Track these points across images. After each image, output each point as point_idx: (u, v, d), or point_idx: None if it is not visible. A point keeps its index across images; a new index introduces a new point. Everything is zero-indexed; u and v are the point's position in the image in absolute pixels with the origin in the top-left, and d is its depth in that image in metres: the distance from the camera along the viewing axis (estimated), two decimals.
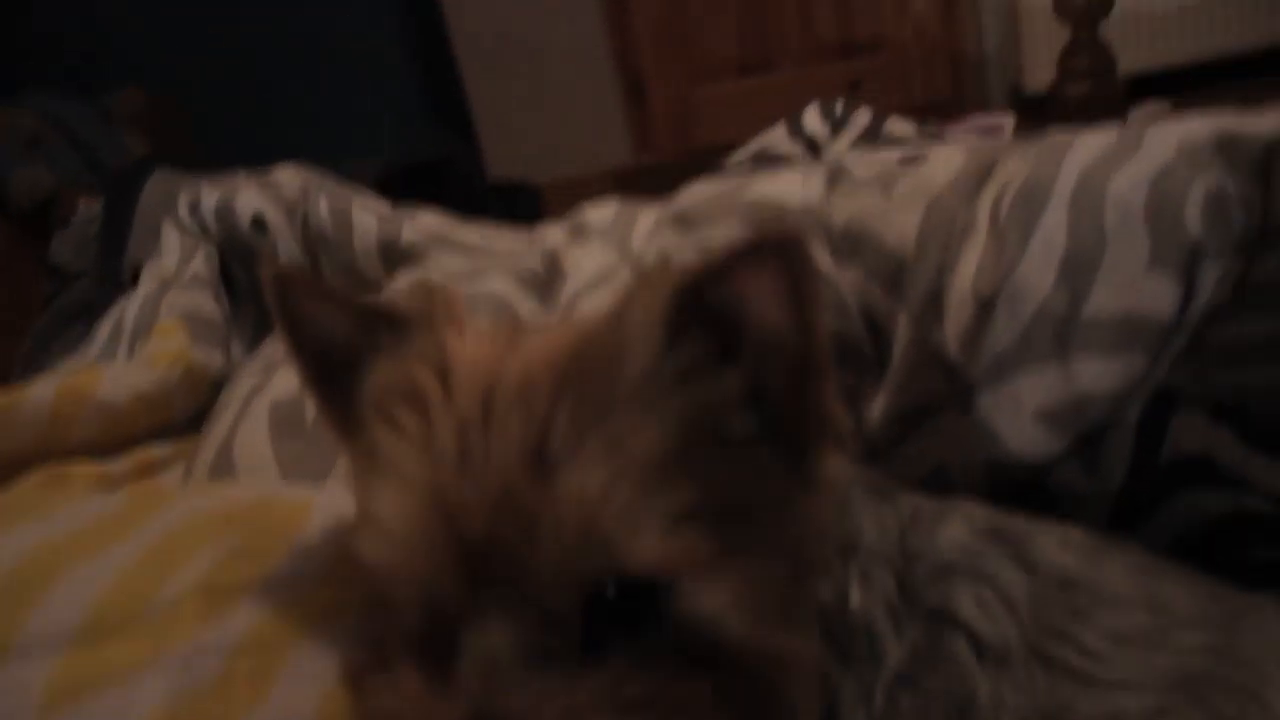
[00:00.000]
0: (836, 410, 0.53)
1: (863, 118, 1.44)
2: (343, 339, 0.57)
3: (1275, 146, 0.68)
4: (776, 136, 1.43)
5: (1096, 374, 0.72)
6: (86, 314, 1.58)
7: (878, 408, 0.76)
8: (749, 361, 0.50)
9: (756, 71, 3.66)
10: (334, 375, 0.57)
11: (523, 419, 0.48)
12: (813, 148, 1.42)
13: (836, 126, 1.43)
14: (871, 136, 1.42)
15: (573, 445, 0.47)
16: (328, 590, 0.58)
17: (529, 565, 0.47)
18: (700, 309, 0.49)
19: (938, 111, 3.60)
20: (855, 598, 0.60)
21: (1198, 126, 0.72)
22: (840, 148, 1.40)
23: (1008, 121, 1.76)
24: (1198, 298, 0.71)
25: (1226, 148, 0.69)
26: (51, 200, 3.06)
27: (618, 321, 0.50)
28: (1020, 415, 0.74)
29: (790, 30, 3.63)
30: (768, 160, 1.40)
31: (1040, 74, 3.45)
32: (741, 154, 1.43)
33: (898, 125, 1.43)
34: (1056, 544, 0.65)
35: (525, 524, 0.46)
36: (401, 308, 0.56)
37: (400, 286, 0.88)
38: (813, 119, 1.44)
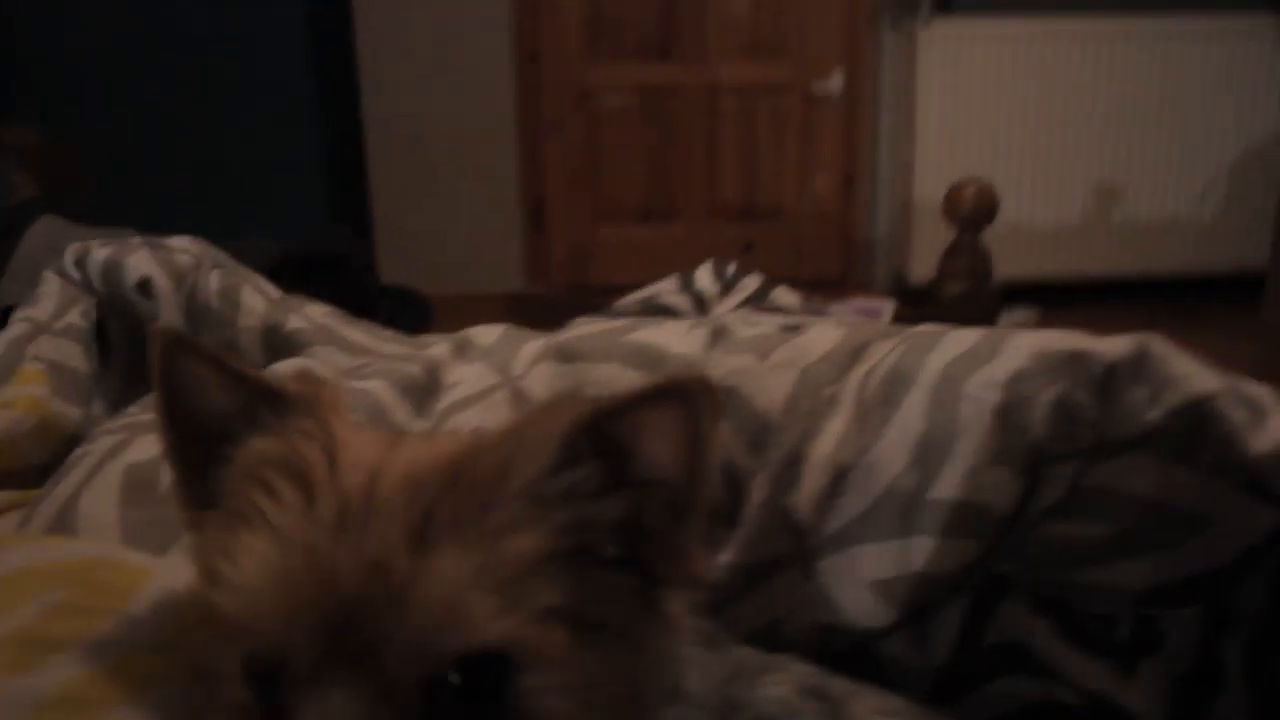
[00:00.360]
0: (699, 555, 0.57)
1: (752, 282, 1.51)
2: (220, 410, 0.57)
3: (1116, 367, 0.75)
4: (667, 287, 1.49)
5: (933, 555, 0.77)
6: None
7: (723, 560, 0.79)
8: (631, 494, 0.54)
9: (657, 220, 3.79)
10: (200, 445, 0.57)
11: (407, 501, 0.50)
12: (700, 304, 1.48)
13: (726, 287, 1.50)
14: (757, 301, 1.48)
15: (452, 531, 0.50)
16: (152, 658, 0.58)
17: (389, 635, 0.48)
18: (598, 439, 0.53)
19: (824, 286, 3.78)
20: None
21: (1053, 339, 0.79)
22: (726, 308, 1.47)
23: (887, 306, 1.86)
24: (1039, 496, 0.77)
25: (1076, 362, 0.76)
26: None
27: (515, 434, 0.53)
28: (857, 584, 0.78)
29: (695, 187, 3.78)
30: (655, 309, 1.46)
31: (923, 267, 3.66)
32: (631, 299, 1.48)
33: (784, 295, 1.51)
34: (873, 709, 0.69)
35: (395, 593, 0.48)
36: (290, 387, 0.58)
37: (284, 370, 0.89)
38: (704, 276, 1.51)
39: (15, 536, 0.75)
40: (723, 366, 0.84)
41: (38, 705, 0.52)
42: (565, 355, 0.86)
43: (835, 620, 0.79)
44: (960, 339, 0.82)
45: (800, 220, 3.84)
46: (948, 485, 0.76)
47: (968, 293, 1.82)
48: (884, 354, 0.83)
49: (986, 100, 3.58)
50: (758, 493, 0.79)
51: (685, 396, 0.52)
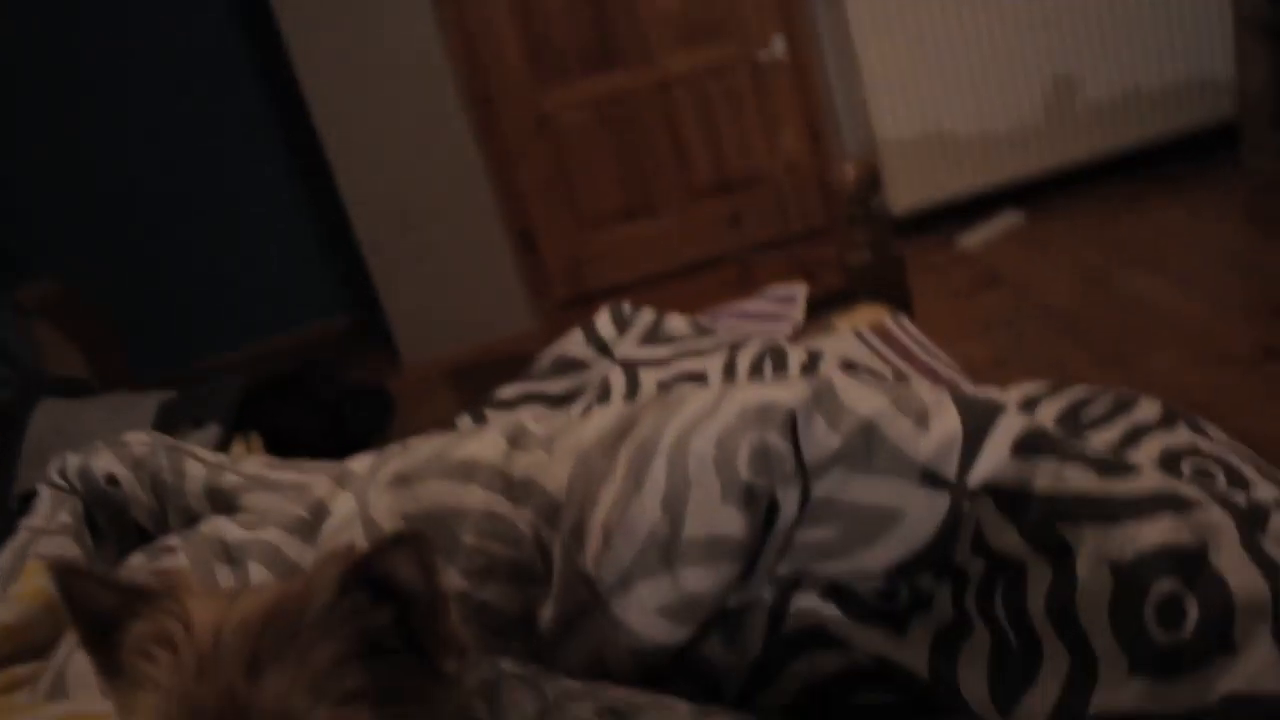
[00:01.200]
0: (453, 635, 0.81)
1: (646, 318, 1.74)
2: (109, 608, 0.81)
3: (796, 409, 0.97)
4: (574, 341, 1.73)
5: (697, 579, 1.00)
6: None
7: (547, 614, 1.03)
8: (396, 603, 0.78)
9: (641, 216, 4.01)
10: (102, 635, 0.81)
11: (240, 644, 0.74)
12: (604, 349, 1.71)
13: (623, 327, 1.73)
14: (653, 335, 1.71)
15: (273, 657, 0.74)
16: None
17: None
18: (365, 573, 0.77)
19: (814, 236, 3.96)
20: None
21: (753, 395, 1.01)
22: (626, 346, 1.70)
23: (800, 291, 2.06)
24: (782, 514, 0.99)
25: (765, 412, 0.98)
26: None
27: (309, 581, 0.78)
28: (646, 613, 1.01)
29: (668, 174, 3.98)
30: (566, 364, 1.70)
31: (905, 198, 3.82)
32: (544, 358, 1.72)
33: (675, 322, 1.73)
34: (656, 717, 0.92)
35: (240, 709, 0.72)
36: (152, 585, 0.82)
37: (148, 569, 1.16)
38: (604, 323, 1.74)
39: (22, 708, 1.02)
40: (520, 464, 1.09)
41: None
42: (402, 480, 1.11)
43: (640, 645, 1.02)
44: (695, 403, 1.04)
45: (778, 181, 4.02)
46: (693, 525, 0.99)
47: (873, 262, 2.02)
48: (643, 427, 1.06)
49: (922, 28, 3.70)
50: (558, 558, 1.03)
51: (411, 542, 0.77)
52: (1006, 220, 3.89)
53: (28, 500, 1.69)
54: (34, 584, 1.19)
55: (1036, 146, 3.88)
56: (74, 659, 1.07)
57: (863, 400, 0.98)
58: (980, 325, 3.25)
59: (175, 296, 4.08)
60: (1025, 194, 3.93)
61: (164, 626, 0.78)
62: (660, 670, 1.01)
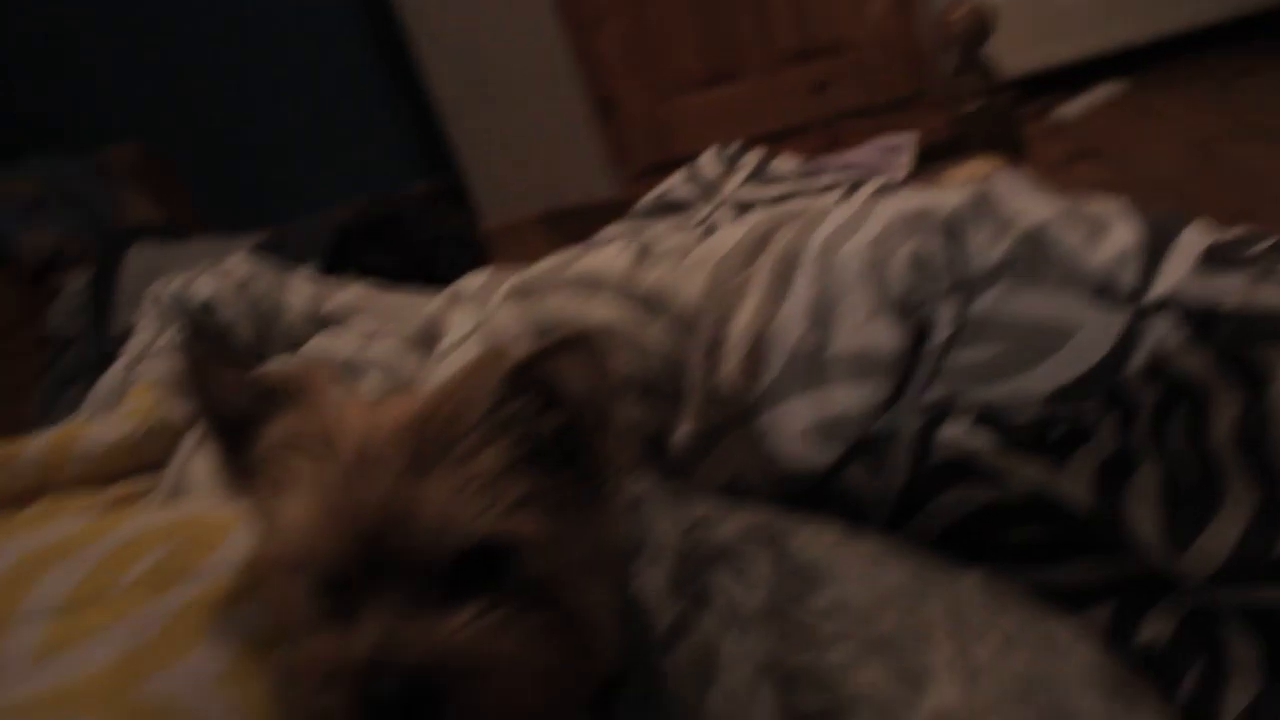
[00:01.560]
0: (618, 450, 0.78)
1: (752, 159, 1.66)
2: (241, 406, 0.79)
3: (955, 215, 0.91)
4: (676, 181, 1.66)
5: (845, 398, 0.94)
6: (82, 377, 1.83)
7: (681, 434, 0.99)
8: (560, 411, 0.75)
9: (723, 82, 3.88)
10: (232, 434, 0.79)
11: (399, 445, 0.72)
12: (709, 189, 1.65)
13: (729, 167, 1.66)
14: (760, 174, 1.64)
15: (437, 459, 0.71)
16: (239, 583, 0.83)
17: (408, 544, 0.70)
18: (528, 379, 0.74)
19: (900, 107, 3.82)
20: (637, 582, 0.83)
21: (908, 201, 0.94)
22: (731, 187, 1.63)
23: (909, 140, 1.97)
24: (935, 334, 0.93)
25: (921, 219, 0.92)
26: (57, 257, 3.34)
27: (466, 383, 0.74)
28: (789, 432, 0.96)
29: (751, 39, 3.84)
30: (667, 205, 1.63)
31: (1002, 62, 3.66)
32: (646, 199, 1.66)
33: (782, 163, 1.66)
34: (810, 537, 0.88)
35: (406, 513, 0.70)
36: (288, 381, 0.79)
37: (289, 363, 1.13)
38: (709, 163, 1.67)
39: (137, 509, 1.01)
40: (649, 279, 1.03)
41: (168, 620, 0.79)
42: (523, 293, 1.06)
43: (782, 467, 0.98)
44: (840, 214, 0.98)
45: (865, 48, 3.87)
46: (841, 340, 0.93)
47: (982, 109, 1.92)
48: (783, 239, 1.00)
49: None
50: (694, 372, 0.98)
51: (582, 344, 0.73)
52: (1108, 90, 3.72)
53: (124, 340, 1.68)
54: (143, 402, 1.17)
55: (1140, 11, 3.70)
56: (191, 466, 1.05)
57: (1030, 208, 0.91)
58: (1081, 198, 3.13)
59: (253, 162, 4.06)
60: (1128, 64, 3.76)
61: (308, 425, 0.75)
62: (801, 498, 0.96)
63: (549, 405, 0.74)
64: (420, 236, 1.82)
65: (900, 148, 1.92)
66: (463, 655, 0.68)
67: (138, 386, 1.21)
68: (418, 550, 0.70)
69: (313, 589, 0.73)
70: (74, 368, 1.92)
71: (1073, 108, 3.68)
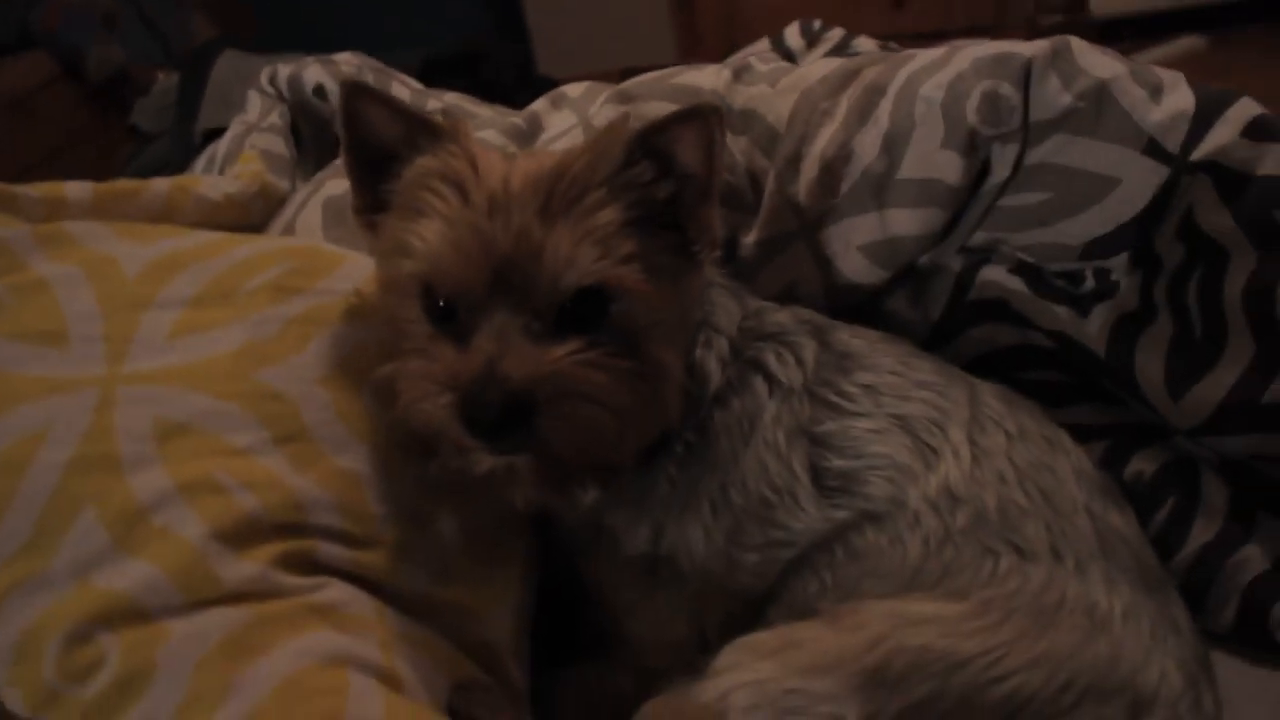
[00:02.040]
0: (715, 223, 0.89)
1: (835, 35, 1.75)
2: (388, 138, 0.89)
3: (1033, 62, 1.00)
4: (760, 49, 1.75)
5: (904, 221, 1.05)
6: (165, 169, 1.96)
7: (750, 238, 1.10)
8: (672, 181, 0.86)
9: None
10: (372, 166, 0.90)
11: (532, 193, 0.83)
12: (790, 59, 1.73)
13: (812, 41, 1.75)
14: (839, 51, 1.73)
15: (564, 209, 0.82)
16: (353, 301, 0.96)
17: (531, 278, 0.81)
18: (647, 146, 0.84)
19: (978, 35, 3.85)
20: (698, 352, 0.95)
21: (994, 46, 1.04)
22: (813, 59, 1.72)
23: None
24: (992, 175, 1.04)
25: (1001, 61, 1.01)
26: (123, 74, 3.44)
27: (594, 146, 0.85)
28: (848, 248, 1.08)
29: None
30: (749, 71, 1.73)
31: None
32: (725, 65, 1.75)
33: (865, 43, 1.74)
34: (851, 334, 1.00)
35: (535, 251, 0.81)
36: (441, 122, 0.89)
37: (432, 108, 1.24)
38: (793, 35, 1.76)
39: (248, 235, 1.12)
40: (743, 96, 1.13)
41: (286, 321, 0.92)
42: (624, 97, 1.17)
43: (838, 280, 1.10)
44: (928, 55, 1.08)
45: None
46: (909, 167, 1.04)
47: (1063, 25, 2.00)
48: (870, 74, 1.10)
49: None
50: (770, 185, 1.09)
51: (703, 116, 0.83)
52: (1187, 44, 3.75)
53: (209, 136, 1.80)
54: (250, 168, 1.28)
55: None
56: (300, 219, 1.17)
57: (1100, 64, 1.00)
58: None
59: (318, 3, 4.11)
60: (1211, 20, 3.78)
61: (450, 165, 0.86)
62: (846, 313, 1.08)
63: (664, 174, 0.85)
64: (501, 76, 1.91)
65: None
66: (562, 380, 0.80)
67: (246, 154, 1.33)
68: (539, 285, 0.81)
69: (429, 310, 0.85)
70: (156, 161, 2.05)
71: (1149, 56, 3.72)
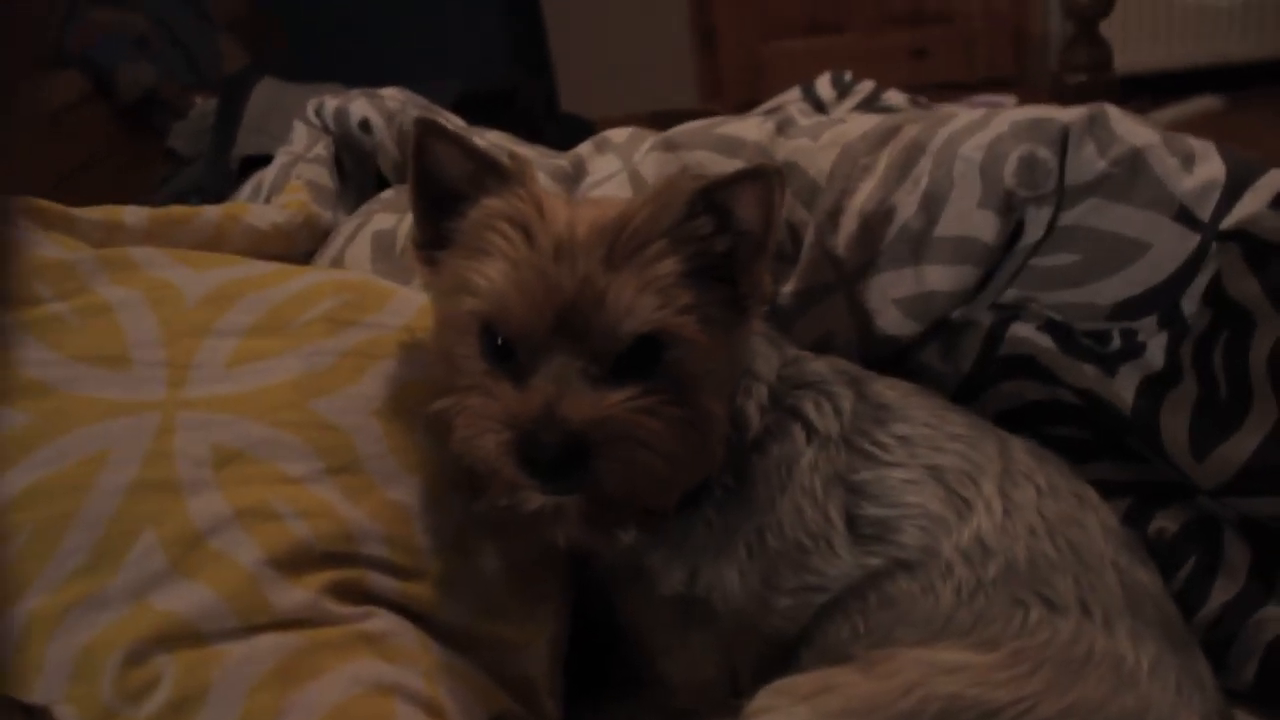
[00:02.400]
0: (767, 278, 0.93)
1: (865, 88, 1.79)
2: (455, 177, 0.92)
3: (1071, 127, 1.04)
4: (791, 98, 1.80)
5: (940, 277, 1.09)
6: (197, 194, 1.99)
7: (788, 288, 1.13)
8: (729, 236, 0.89)
9: (826, 32, 3.99)
10: (437, 203, 0.93)
11: (597, 239, 0.86)
12: (820, 108, 1.78)
13: (843, 92, 1.79)
14: (871, 104, 1.77)
15: (628, 258, 0.85)
16: (406, 335, 0.99)
17: (592, 323, 0.84)
18: (709, 200, 0.88)
19: (1000, 86, 3.91)
20: (739, 400, 0.98)
21: (1030, 111, 1.08)
22: (842, 111, 1.76)
23: (1009, 102, 2.09)
24: (1025, 235, 1.07)
25: (1040, 126, 1.05)
26: (153, 94, 3.49)
27: (658, 197, 0.88)
28: (884, 301, 1.11)
29: None
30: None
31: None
32: (758, 110, 1.79)
33: (894, 96, 1.79)
34: (887, 385, 1.03)
35: (597, 296, 0.84)
36: (509, 164, 0.92)
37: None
38: (824, 86, 1.81)
39: (303, 267, 1.15)
40: (785, 148, 1.17)
41: (341, 354, 0.95)
42: (669, 145, 1.20)
43: (873, 332, 1.13)
44: (968, 116, 1.11)
45: (972, 21, 3.97)
46: (946, 225, 1.07)
47: (1089, 84, 2.04)
48: (910, 133, 1.14)
49: None
50: (809, 237, 1.12)
51: (764, 176, 0.87)
52: (1204, 103, 3.80)
53: (246, 164, 1.84)
54: (297, 198, 1.32)
55: (1249, 29, 3.77)
56: (349, 252, 1.21)
57: (1135, 131, 1.03)
58: None
59: (349, 34, 4.16)
60: (1229, 81, 3.83)
61: (517, 208, 0.89)
62: (879, 363, 1.11)
63: (722, 229, 0.89)
64: (534, 114, 1.96)
65: (1001, 104, 2.04)
66: (618, 425, 0.83)
67: (293, 184, 1.37)
68: (599, 330, 0.84)
69: (488, 349, 0.88)
70: (190, 185, 2.08)
71: (1166, 114, 3.77)
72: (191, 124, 2.30)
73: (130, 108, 3.55)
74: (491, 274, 0.87)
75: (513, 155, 0.93)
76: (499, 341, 0.87)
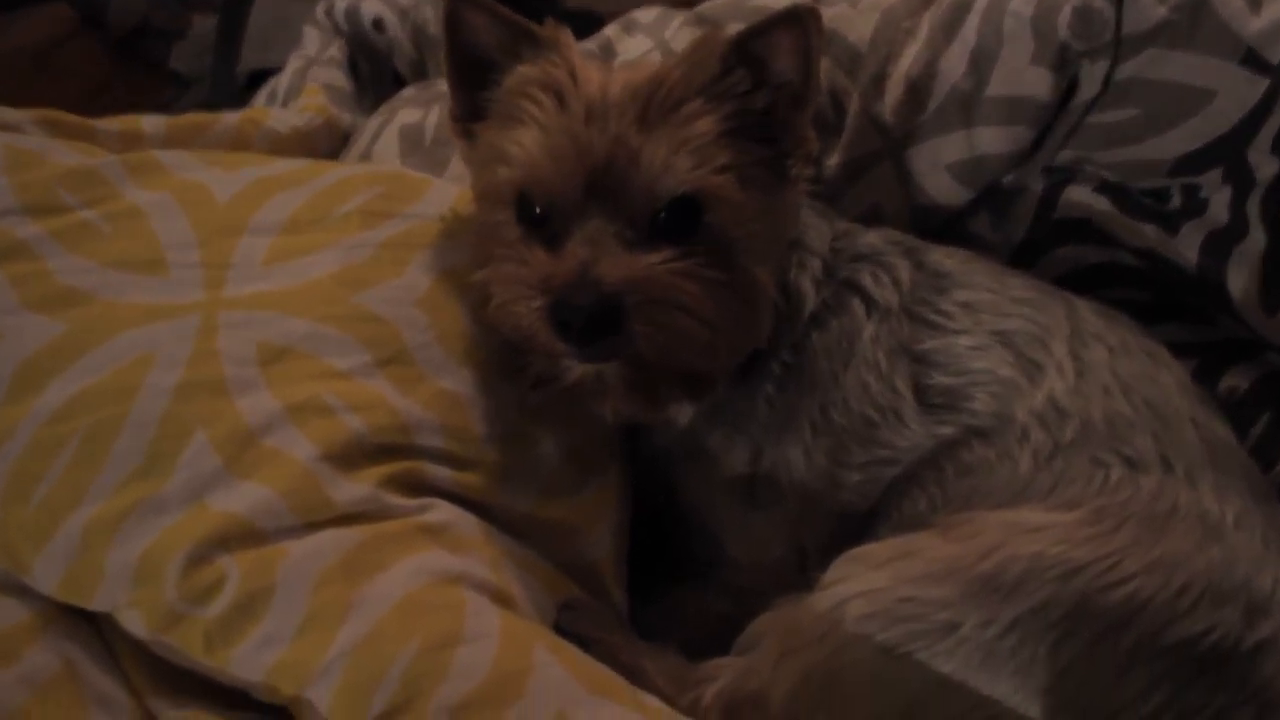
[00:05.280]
0: (810, 134, 0.91)
1: None
2: (488, 46, 0.91)
3: None
4: None
5: (991, 140, 1.06)
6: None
7: (833, 160, 1.11)
8: (768, 92, 0.87)
9: None
10: (470, 74, 0.92)
11: (630, 100, 0.84)
12: None
13: None
14: None
15: (662, 118, 0.84)
16: (445, 224, 0.97)
17: (627, 184, 0.83)
18: (743, 53, 0.86)
19: None
20: (792, 273, 0.97)
21: None
22: None
23: None
24: (1080, 92, 1.04)
25: None
26: (146, 23, 3.44)
27: (691, 56, 0.87)
28: (934, 167, 1.08)
29: None
30: None
31: None
32: None
33: None
34: (943, 253, 1.01)
35: (631, 157, 0.83)
36: (542, 31, 0.91)
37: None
38: None
39: (334, 163, 1.14)
40: (825, 14, 1.14)
41: (379, 246, 0.94)
42: (701, 20, 1.18)
43: (923, 201, 1.10)
44: None
45: None
46: (998, 83, 1.04)
47: None
48: None
49: None
50: (854, 105, 1.09)
51: (801, 20, 0.84)
52: None
53: (255, 79, 1.81)
54: (315, 101, 1.30)
55: None
56: (376, 148, 1.19)
57: None
58: None
59: None
60: None
61: (550, 73, 0.87)
62: (928, 235, 1.09)
63: (760, 84, 0.87)
64: (545, 8, 1.90)
65: None
66: (654, 287, 0.82)
67: (310, 87, 1.34)
68: (633, 192, 0.83)
69: (523, 217, 0.87)
70: (196, 106, 2.05)
71: None
72: (193, 43, 2.26)
73: (124, 38, 3.50)
74: (524, 141, 0.85)
75: (548, 23, 0.91)
76: (535, 210, 0.86)
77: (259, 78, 1.72)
